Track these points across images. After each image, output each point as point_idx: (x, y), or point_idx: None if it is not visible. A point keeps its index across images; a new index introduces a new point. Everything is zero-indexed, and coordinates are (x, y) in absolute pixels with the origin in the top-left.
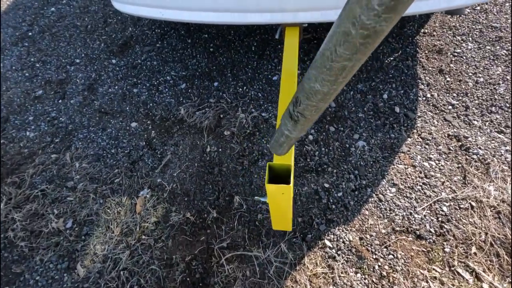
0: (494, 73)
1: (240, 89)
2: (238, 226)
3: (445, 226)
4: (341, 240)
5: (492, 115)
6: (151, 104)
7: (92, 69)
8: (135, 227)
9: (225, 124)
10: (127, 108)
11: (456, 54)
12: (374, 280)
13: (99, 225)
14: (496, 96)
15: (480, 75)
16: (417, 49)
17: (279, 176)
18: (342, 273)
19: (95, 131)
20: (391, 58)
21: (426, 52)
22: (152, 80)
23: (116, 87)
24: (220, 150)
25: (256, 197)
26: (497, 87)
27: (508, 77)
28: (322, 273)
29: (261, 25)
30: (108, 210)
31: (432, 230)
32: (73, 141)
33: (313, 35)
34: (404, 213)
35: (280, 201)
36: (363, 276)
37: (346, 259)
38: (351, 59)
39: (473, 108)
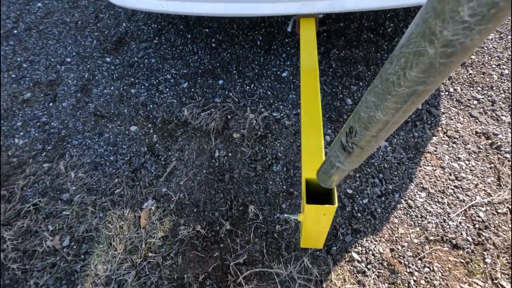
0: None
1: (248, 87)
2: (254, 239)
3: (483, 233)
4: (370, 252)
5: None
6: (151, 106)
7: (85, 69)
8: (140, 244)
9: (234, 126)
10: (125, 111)
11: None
12: None
13: (100, 242)
14: None
15: (504, 66)
16: None
17: (317, 192)
18: None
19: (91, 137)
20: None
21: None
22: (151, 79)
23: (112, 88)
24: (229, 154)
25: (285, 215)
26: None
27: None
28: None
29: (269, 16)
30: (109, 225)
31: (469, 238)
32: (67, 148)
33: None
34: (438, 220)
35: (319, 222)
36: None
37: (377, 273)
38: (426, 82)
39: (500, 103)
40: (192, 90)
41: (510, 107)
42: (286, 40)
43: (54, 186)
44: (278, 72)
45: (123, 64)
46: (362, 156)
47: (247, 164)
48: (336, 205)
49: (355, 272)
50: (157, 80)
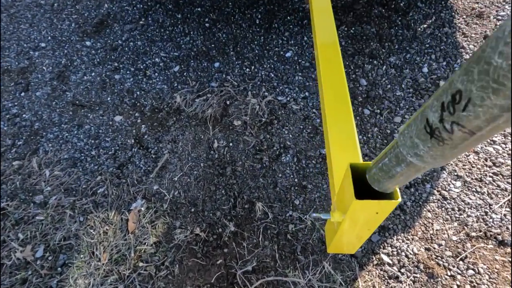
0: None
1: (247, 69)
2: (264, 242)
3: None
4: (402, 253)
5: None
6: (138, 93)
7: (62, 54)
8: (129, 252)
9: (234, 112)
10: (109, 99)
11: (500, 17)
12: None
13: (80, 251)
14: None
15: None
16: (453, 13)
17: (361, 180)
18: None
19: (69, 129)
20: (425, 26)
21: (465, 16)
22: (137, 64)
23: (93, 74)
24: (230, 144)
25: (314, 214)
26: None
27: None
28: None
29: None
30: (91, 231)
31: None
32: (40, 142)
33: None
34: (478, 213)
35: (367, 222)
36: None
37: (412, 278)
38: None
39: None
40: (185, 74)
41: None
42: (288, 17)
43: (26, 187)
44: (281, 52)
45: (105, 48)
46: (463, 148)
47: (251, 155)
48: (400, 199)
49: (386, 277)
50: (144, 65)
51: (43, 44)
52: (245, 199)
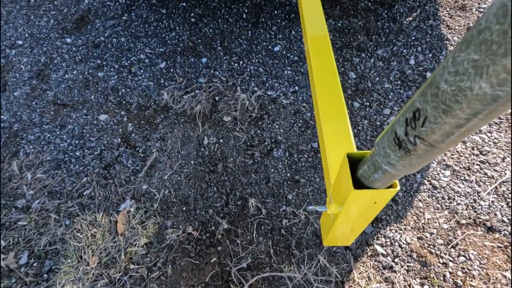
0: None
1: (236, 65)
2: (258, 238)
3: None
4: (396, 243)
5: None
6: (123, 90)
7: (41, 52)
8: (119, 254)
9: (223, 108)
10: (92, 97)
11: (482, 10)
12: None
13: (68, 256)
14: None
15: None
16: (437, 6)
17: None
18: (405, 287)
19: (51, 130)
20: (410, 18)
21: (448, 9)
22: (121, 61)
23: (75, 72)
24: (221, 141)
25: (310, 207)
26: None
27: None
28: None
29: None
30: (79, 234)
31: (504, 219)
32: (21, 144)
33: None
34: (467, 201)
35: (364, 213)
36: None
37: (406, 267)
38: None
39: None
40: (172, 70)
41: None
42: (276, 12)
43: (6, 192)
44: (270, 47)
45: (87, 44)
46: (426, 158)
47: (242, 150)
48: (398, 188)
49: (381, 268)
50: (129, 61)
51: (20, 42)
52: (237, 196)
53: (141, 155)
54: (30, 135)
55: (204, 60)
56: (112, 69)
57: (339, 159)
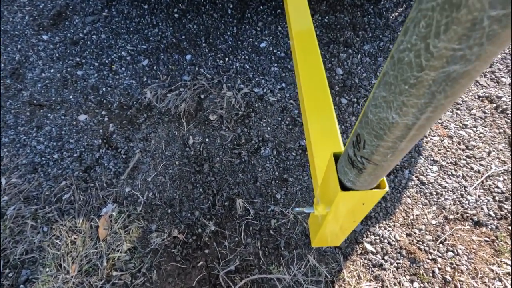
0: None
1: (221, 61)
2: (246, 239)
3: (505, 206)
4: (385, 240)
5: None
6: (104, 89)
7: (15, 49)
8: (101, 261)
9: (209, 107)
10: (71, 97)
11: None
12: None
13: (46, 265)
14: None
15: None
16: None
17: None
18: (395, 284)
19: (27, 132)
20: (396, 14)
21: None
22: (101, 58)
23: (52, 71)
24: (207, 140)
25: (297, 209)
26: None
27: None
28: None
29: None
30: (57, 241)
31: (491, 213)
32: None
33: None
34: (455, 196)
35: (352, 214)
36: (422, 285)
37: (396, 265)
38: (467, 56)
39: (498, 64)
40: (155, 68)
41: (509, 69)
42: (261, 7)
43: None
44: (256, 43)
45: (65, 42)
46: (377, 174)
47: (229, 150)
48: (387, 188)
49: (371, 266)
50: (109, 59)
51: None
52: (224, 196)
53: (123, 157)
54: (4, 138)
55: (188, 57)
56: (91, 67)
57: (326, 159)
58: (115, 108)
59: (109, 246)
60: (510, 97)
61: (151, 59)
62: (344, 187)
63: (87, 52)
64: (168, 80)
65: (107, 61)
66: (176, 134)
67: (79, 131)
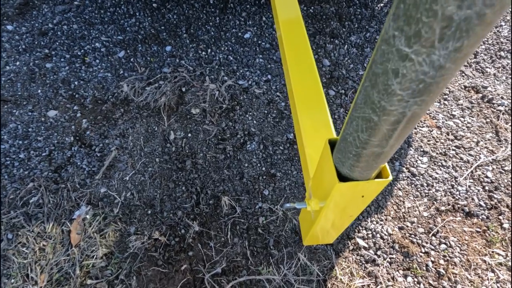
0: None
1: (203, 53)
2: (233, 239)
3: (495, 195)
4: (377, 235)
5: (502, 60)
6: (76, 83)
7: None
8: (73, 269)
9: (191, 100)
10: (39, 91)
11: None
12: (431, 282)
13: (11, 276)
14: (501, 39)
15: None
16: None
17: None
18: (388, 280)
19: None
20: (381, 4)
21: None
22: (73, 50)
23: (18, 63)
24: (189, 135)
25: (287, 204)
26: (500, 30)
27: (508, 18)
28: (363, 286)
29: None
30: (24, 249)
31: (481, 203)
32: None
33: None
34: (445, 187)
35: (349, 208)
36: (416, 280)
37: (389, 260)
38: (381, 145)
39: (482, 54)
40: (132, 60)
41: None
42: None
43: None
44: (239, 34)
45: (33, 32)
46: (378, 160)
47: (213, 145)
48: (390, 177)
49: (363, 262)
50: (82, 50)
51: None
52: (209, 194)
53: (98, 155)
54: None
55: (168, 48)
56: (62, 59)
57: (318, 149)
58: (89, 102)
59: (82, 252)
60: (511, 97)
61: (128, 51)
62: (341, 178)
63: (57, 43)
64: (146, 73)
65: (79, 53)
66: (156, 129)
67: (48, 128)
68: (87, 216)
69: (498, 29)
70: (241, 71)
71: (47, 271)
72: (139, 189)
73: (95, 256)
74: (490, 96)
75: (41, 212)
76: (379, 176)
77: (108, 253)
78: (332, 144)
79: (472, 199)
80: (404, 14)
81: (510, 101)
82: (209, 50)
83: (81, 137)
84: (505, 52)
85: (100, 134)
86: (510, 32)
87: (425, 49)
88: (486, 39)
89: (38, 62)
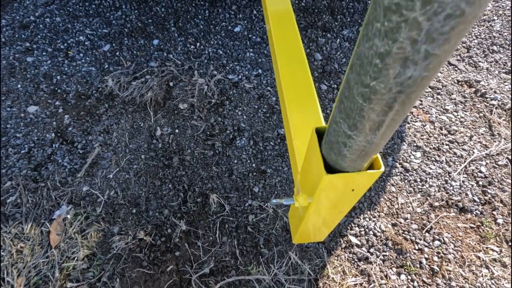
0: (486, 8)
1: (192, 47)
2: (222, 238)
3: (489, 190)
4: (370, 232)
5: (495, 54)
6: (58, 77)
7: None
8: (52, 271)
9: (179, 95)
10: (19, 86)
11: None
12: (425, 279)
13: None
14: (494, 34)
15: None
16: None
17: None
18: (381, 278)
19: None
20: None
21: None
22: (56, 43)
23: None
24: (176, 131)
25: (275, 200)
26: (493, 24)
27: (500, 12)
28: (355, 284)
29: None
30: (0, 252)
31: (475, 198)
32: None
33: None
34: (439, 182)
35: (339, 202)
36: (410, 277)
37: (382, 257)
38: (371, 135)
39: (475, 49)
40: (117, 53)
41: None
42: None
43: None
44: (229, 27)
45: (13, 25)
46: (369, 150)
47: (201, 141)
48: (383, 168)
49: (356, 260)
50: (65, 44)
51: None
52: (197, 192)
53: (80, 152)
54: None
55: (155, 42)
56: (44, 53)
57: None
58: (72, 98)
59: (62, 254)
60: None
61: (114, 44)
62: (330, 171)
63: (39, 36)
64: (132, 67)
65: (62, 47)
66: (141, 125)
67: (28, 124)
68: (68, 216)
69: (490, 23)
70: (231, 65)
71: (24, 274)
72: (124, 187)
73: (76, 258)
74: (483, 91)
75: (19, 212)
76: (370, 168)
77: (90, 255)
78: (320, 134)
79: (466, 194)
80: (344, 111)
81: (503, 95)
82: (198, 44)
83: (63, 133)
84: (498, 46)
85: (83, 130)
86: (502, 27)
87: (361, 134)
88: (478, 33)
89: (18, 56)
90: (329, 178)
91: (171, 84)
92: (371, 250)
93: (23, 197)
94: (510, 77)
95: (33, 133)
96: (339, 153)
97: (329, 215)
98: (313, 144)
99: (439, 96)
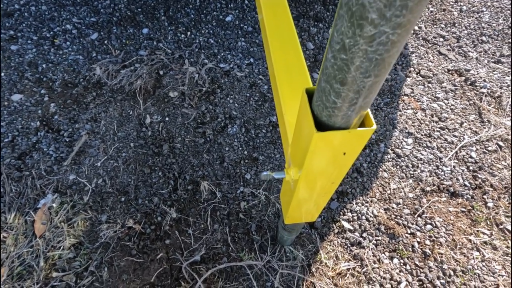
0: (475, 0)
1: (183, 36)
2: (213, 226)
3: (479, 175)
4: (363, 217)
5: (484, 45)
6: (44, 65)
7: None
8: (37, 261)
9: (169, 83)
10: (2, 74)
11: None
12: (417, 263)
13: None
14: (483, 25)
15: (461, 3)
16: None
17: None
18: (374, 262)
19: None
20: None
21: None
22: (41, 32)
23: None
24: (167, 119)
25: (265, 173)
26: (481, 15)
27: (489, 3)
28: (348, 269)
29: None
30: None
31: (466, 183)
32: None
33: None
34: (430, 168)
35: (329, 171)
36: (402, 261)
37: (375, 242)
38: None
39: (465, 39)
40: (106, 42)
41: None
42: None
43: None
44: (221, 17)
45: None
46: (360, 103)
47: (192, 129)
48: (375, 126)
49: (349, 245)
50: (51, 32)
51: None
52: (187, 180)
53: (67, 140)
54: None
55: (145, 30)
56: (29, 41)
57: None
58: (58, 86)
59: (48, 243)
60: (511, 97)
61: (102, 33)
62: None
63: (23, 25)
64: (121, 55)
65: (48, 35)
66: (130, 113)
67: (11, 112)
68: (54, 205)
69: (479, 14)
70: (222, 54)
71: (7, 265)
72: (112, 175)
73: (62, 247)
74: (473, 79)
75: (2, 202)
76: (361, 126)
77: (77, 244)
78: (311, 96)
79: (457, 179)
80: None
81: (492, 83)
82: (188, 33)
83: (49, 121)
84: (487, 36)
85: (70, 118)
86: (491, 18)
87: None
88: (468, 24)
89: (2, 44)
90: (319, 136)
91: (161, 72)
92: (364, 235)
93: (7, 186)
94: (499, 66)
95: (17, 122)
96: (332, 101)
97: (321, 187)
98: (304, 104)
99: (430, 85)
